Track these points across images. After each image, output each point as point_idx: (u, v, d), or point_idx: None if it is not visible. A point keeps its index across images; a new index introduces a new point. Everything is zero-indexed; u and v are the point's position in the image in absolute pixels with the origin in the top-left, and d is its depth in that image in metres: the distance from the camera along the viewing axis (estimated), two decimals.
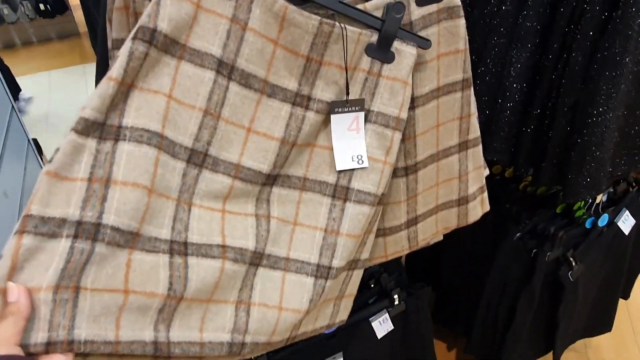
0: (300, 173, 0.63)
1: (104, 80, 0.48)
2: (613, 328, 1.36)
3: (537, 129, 0.89)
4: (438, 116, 0.72)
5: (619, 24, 0.74)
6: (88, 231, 0.47)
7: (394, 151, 0.64)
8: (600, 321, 1.33)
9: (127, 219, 0.49)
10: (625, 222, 1.15)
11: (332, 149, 0.63)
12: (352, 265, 0.68)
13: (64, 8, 5.40)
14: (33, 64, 4.64)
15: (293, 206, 0.63)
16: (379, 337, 1.00)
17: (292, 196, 0.63)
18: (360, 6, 0.60)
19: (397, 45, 0.61)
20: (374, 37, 0.60)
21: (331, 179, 0.63)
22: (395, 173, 0.69)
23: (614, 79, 0.76)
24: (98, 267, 0.48)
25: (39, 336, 0.44)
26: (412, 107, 0.67)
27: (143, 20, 0.48)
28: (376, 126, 0.63)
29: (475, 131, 0.77)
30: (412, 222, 0.76)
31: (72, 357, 0.45)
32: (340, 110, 0.61)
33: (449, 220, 0.83)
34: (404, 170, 0.71)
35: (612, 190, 1.18)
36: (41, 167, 1.11)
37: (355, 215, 0.62)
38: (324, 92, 0.60)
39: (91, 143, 0.48)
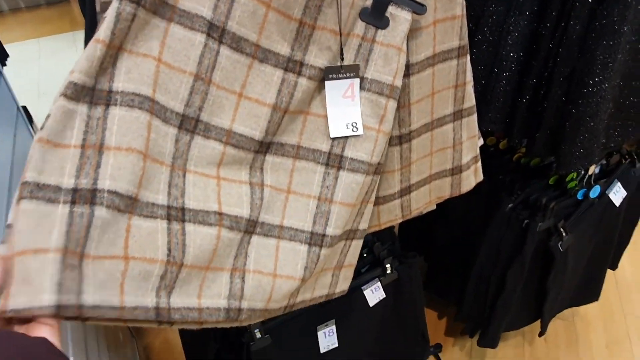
0: (293, 141, 0.62)
1: (91, 43, 0.47)
2: (600, 298, 1.39)
3: (533, 99, 0.88)
4: (433, 84, 0.71)
5: None
6: (85, 197, 0.47)
7: (389, 119, 0.63)
8: (589, 291, 1.36)
9: (124, 183, 0.48)
10: (617, 194, 1.15)
11: (326, 117, 0.63)
12: (349, 235, 0.68)
13: None
14: (21, 31, 4.52)
15: (286, 174, 0.63)
16: (371, 305, 1.02)
17: (286, 164, 0.63)
18: None
19: (391, 10, 0.60)
20: (369, 1, 0.59)
21: (325, 147, 0.63)
22: (389, 141, 0.69)
23: (611, 48, 0.75)
24: (101, 232, 0.48)
25: (47, 298, 0.43)
26: (407, 74, 0.66)
27: None
28: (370, 94, 0.62)
29: (470, 100, 0.76)
30: (406, 191, 0.76)
31: (58, 326, 0.44)
32: (334, 76, 0.60)
33: (443, 190, 0.83)
34: (398, 138, 0.70)
35: (604, 162, 1.19)
36: (32, 136, 1.10)
37: (349, 183, 0.62)
38: (317, 57, 0.59)
39: (82, 108, 0.48)
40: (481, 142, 0.85)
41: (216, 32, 0.52)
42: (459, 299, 1.29)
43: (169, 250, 0.52)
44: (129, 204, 0.49)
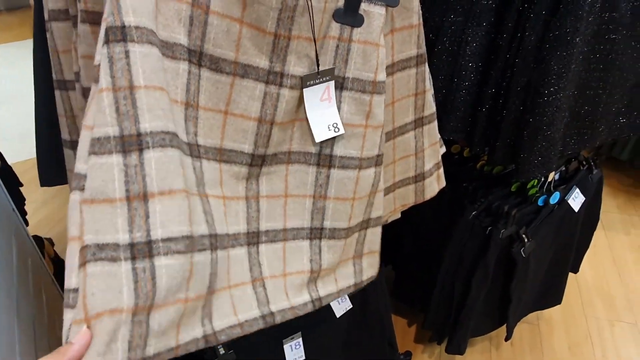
0: (285, 148, 0.63)
1: (96, 95, 0.45)
2: (563, 301, 1.42)
3: (492, 108, 0.90)
4: (393, 93, 0.71)
5: (570, 3, 0.74)
6: (143, 251, 0.46)
7: (376, 113, 0.64)
8: (551, 295, 1.39)
9: (175, 226, 0.48)
10: (576, 200, 1.18)
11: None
12: (362, 225, 0.70)
13: None
14: None
15: (282, 180, 0.64)
16: (337, 315, 1.01)
17: (280, 171, 0.64)
18: None
19: (364, 7, 0.60)
20: (341, 2, 0.59)
21: (314, 149, 0.64)
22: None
23: (565, 58, 0.77)
24: (168, 279, 0.47)
25: (120, 356, 0.44)
26: None
27: (108, 21, 0.45)
28: (353, 92, 0.63)
29: (430, 107, 0.77)
30: None
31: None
32: (312, 82, 0.60)
33: (407, 197, 0.83)
34: None
35: (563, 168, 1.22)
36: None
37: (341, 179, 0.64)
38: (297, 66, 0.59)
39: (117, 159, 0.45)
40: (443, 149, 0.86)
41: (195, 56, 0.52)
42: (426, 307, 1.30)
43: (210, 282, 0.54)
44: (188, 244, 0.49)
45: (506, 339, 1.29)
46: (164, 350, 0.49)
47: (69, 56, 0.75)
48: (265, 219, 0.63)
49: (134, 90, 0.45)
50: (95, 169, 0.44)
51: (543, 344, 1.46)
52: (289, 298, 0.64)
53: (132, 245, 0.45)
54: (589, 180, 1.21)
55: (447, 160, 0.84)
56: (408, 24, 0.68)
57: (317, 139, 0.62)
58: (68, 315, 0.44)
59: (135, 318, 0.45)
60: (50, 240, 1.52)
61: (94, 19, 0.62)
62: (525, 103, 0.84)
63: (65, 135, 0.81)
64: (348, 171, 0.64)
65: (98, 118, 0.44)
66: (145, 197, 0.46)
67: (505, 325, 1.29)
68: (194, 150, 0.54)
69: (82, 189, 0.45)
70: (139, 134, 0.46)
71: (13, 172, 1.40)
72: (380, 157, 0.66)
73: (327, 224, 0.66)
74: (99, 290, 0.44)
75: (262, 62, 0.56)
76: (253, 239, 0.62)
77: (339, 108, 0.63)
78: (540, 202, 1.15)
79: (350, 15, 0.59)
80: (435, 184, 0.84)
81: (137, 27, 0.45)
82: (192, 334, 0.52)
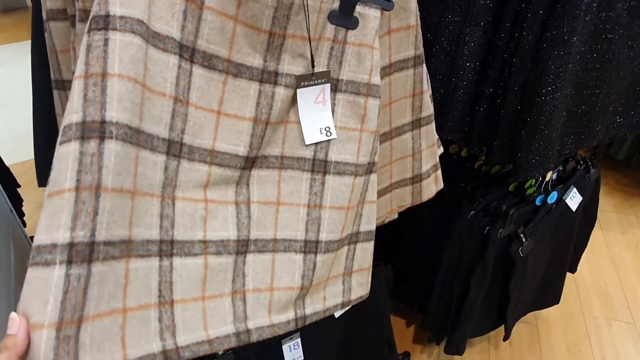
0: (277, 152, 0.61)
1: (72, 82, 0.44)
2: (561, 300, 1.42)
3: (490, 108, 0.90)
4: (390, 94, 0.71)
5: (567, 3, 0.75)
6: (83, 254, 0.42)
7: (371, 117, 0.62)
8: (549, 294, 1.39)
9: (116, 229, 0.45)
10: (573, 199, 1.19)
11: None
12: (352, 238, 0.67)
13: None
14: None
15: (274, 186, 0.61)
16: (336, 316, 1.00)
17: (272, 176, 0.61)
18: None
19: (359, 9, 0.59)
20: (336, 3, 0.58)
21: (308, 153, 0.62)
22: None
23: (562, 58, 0.77)
24: (100, 288, 0.44)
25: None
26: None
27: (94, 10, 0.43)
28: (347, 95, 0.62)
29: (428, 109, 0.76)
30: None
31: None
32: (306, 83, 0.59)
33: (404, 199, 0.83)
34: None
35: (561, 168, 1.22)
36: None
37: (337, 187, 0.62)
38: (291, 65, 0.58)
39: (74, 146, 0.42)
40: (441, 150, 0.86)
41: (187, 52, 0.50)
42: (425, 307, 1.30)
43: (160, 291, 0.50)
44: (123, 249, 0.46)
45: (504, 339, 1.29)
46: None
47: (67, 56, 0.75)
48: (256, 227, 0.59)
49: (105, 78, 0.43)
50: (56, 159, 0.42)
51: (541, 344, 1.46)
52: (271, 315, 0.60)
53: (71, 246, 0.41)
54: (587, 179, 1.22)
55: (445, 160, 0.85)
56: (405, 25, 0.68)
57: (307, 142, 0.61)
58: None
59: (60, 334, 0.41)
60: None
61: None
62: (522, 102, 0.84)
63: None
64: (344, 177, 0.62)
65: (67, 107, 0.42)
66: (97, 190, 0.42)
67: (503, 325, 1.29)
68: (174, 149, 0.51)
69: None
70: (102, 121, 0.43)
71: (11, 173, 1.39)
72: (372, 165, 0.64)
73: (323, 236, 0.61)
74: (27, 300, 0.41)
75: (256, 61, 0.56)
76: (242, 247, 0.58)
77: (333, 111, 0.61)
78: (538, 202, 1.15)
79: (345, 17, 0.59)
80: (432, 186, 0.84)
81: (121, 17, 0.44)
82: (146, 348, 0.48)
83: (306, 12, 0.56)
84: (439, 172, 0.85)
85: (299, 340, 0.99)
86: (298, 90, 0.59)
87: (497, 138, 0.90)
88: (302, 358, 0.99)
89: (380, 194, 0.78)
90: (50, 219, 0.41)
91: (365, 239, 0.69)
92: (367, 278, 0.70)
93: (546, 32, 0.78)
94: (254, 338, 0.59)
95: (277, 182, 0.61)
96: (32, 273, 0.41)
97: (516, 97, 0.84)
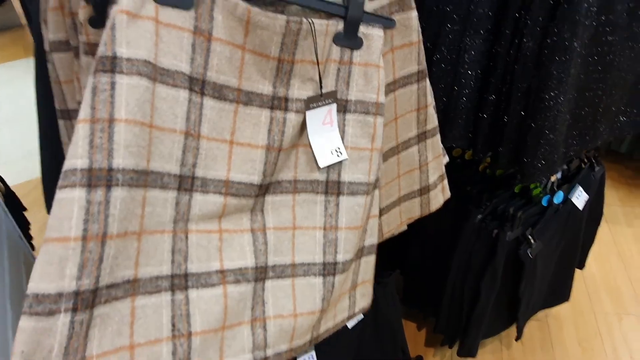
0: (289, 176, 0.61)
1: (77, 125, 0.43)
2: (571, 297, 1.42)
3: (494, 114, 0.90)
4: (396, 109, 0.72)
5: (567, 9, 0.75)
6: (87, 300, 0.43)
7: (379, 135, 0.63)
8: (559, 292, 1.39)
9: (120, 271, 0.45)
10: (579, 198, 1.19)
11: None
12: (358, 253, 0.67)
13: None
14: None
15: (289, 211, 0.61)
16: (349, 326, 1.01)
17: (286, 201, 0.61)
18: None
19: (363, 30, 0.60)
20: (340, 26, 0.59)
21: (321, 176, 0.62)
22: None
23: (564, 63, 0.78)
24: (101, 328, 0.44)
25: None
26: None
27: (100, 50, 0.43)
28: (357, 115, 0.62)
29: (433, 121, 0.77)
30: None
31: None
32: (314, 105, 0.59)
33: (412, 211, 0.84)
34: None
35: (565, 167, 1.22)
36: None
37: (351, 207, 0.62)
38: (301, 90, 0.58)
39: (80, 194, 0.42)
40: (446, 159, 0.86)
41: (197, 84, 0.50)
42: (437, 311, 1.30)
43: (173, 325, 0.50)
44: (128, 288, 0.46)
45: (517, 339, 1.30)
46: None
47: (71, 86, 0.75)
48: (273, 253, 0.59)
49: (113, 123, 0.43)
50: (56, 205, 0.41)
51: (553, 341, 1.46)
52: (293, 340, 0.60)
53: (76, 294, 0.42)
54: (592, 177, 1.22)
55: (449, 164, 0.85)
56: (408, 42, 0.69)
57: (321, 165, 0.61)
58: None
59: None
60: None
61: (95, 50, 0.62)
62: (526, 108, 0.84)
63: None
64: (357, 197, 0.62)
65: (70, 150, 0.42)
66: (103, 238, 0.43)
67: (515, 324, 1.29)
68: (185, 183, 0.52)
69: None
70: (110, 169, 0.43)
71: (17, 197, 1.40)
72: (377, 181, 0.65)
73: (340, 257, 0.62)
74: (26, 350, 0.41)
75: (266, 88, 0.56)
76: (261, 274, 0.58)
77: (343, 132, 0.62)
78: (544, 203, 1.15)
79: (349, 38, 0.60)
80: (440, 196, 0.85)
81: (128, 59, 0.44)
82: None
83: (314, 37, 0.56)
84: (446, 181, 0.86)
85: (313, 352, 0.99)
86: (307, 112, 0.60)
87: (502, 144, 0.90)
88: None
89: (390, 207, 0.78)
90: (52, 267, 0.41)
91: (368, 253, 0.69)
92: (369, 289, 0.71)
93: (547, 38, 0.78)
94: None
95: (292, 207, 0.61)
96: (30, 323, 0.41)
97: (520, 103, 0.85)
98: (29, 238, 1.35)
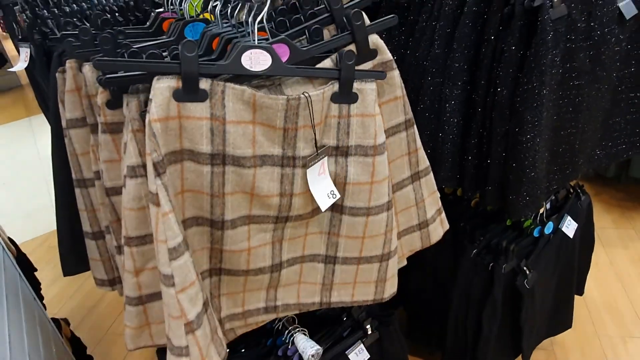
0: (309, 210, 0.74)
1: (163, 216, 0.59)
2: (574, 324, 1.45)
3: (477, 156, 0.97)
4: (388, 155, 0.78)
5: (533, 61, 0.83)
6: (208, 310, 0.68)
7: (380, 170, 0.73)
8: (561, 320, 1.42)
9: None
10: (569, 227, 1.24)
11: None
12: (384, 257, 0.81)
13: (3, 61, 5.23)
14: None
15: (304, 227, 0.77)
16: None
17: (303, 223, 0.76)
18: (320, 65, 0.68)
19: (357, 86, 0.69)
20: (336, 87, 0.67)
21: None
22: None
23: (537, 108, 0.85)
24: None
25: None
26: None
27: (153, 156, 0.57)
28: (357, 157, 0.72)
29: (424, 162, 0.85)
30: None
31: None
32: (312, 162, 0.70)
33: (413, 243, 0.90)
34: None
35: (553, 197, 1.28)
36: None
37: (351, 223, 0.77)
38: (305, 149, 0.68)
39: (186, 258, 0.62)
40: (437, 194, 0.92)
41: (218, 159, 0.63)
42: (442, 345, 1.32)
43: (218, 289, 0.79)
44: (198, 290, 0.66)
45: None
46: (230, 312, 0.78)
47: (87, 158, 0.82)
48: (287, 252, 0.77)
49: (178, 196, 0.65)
50: (177, 269, 0.60)
51: None
52: (299, 298, 0.82)
53: (203, 310, 0.65)
54: (579, 206, 1.28)
55: (442, 201, 0.91)
56: (393, 97, 0.76)
57: (322, 208, 0.72)
58: None
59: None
60: (66, 321, 1.55)
61: (113, 129, 0.69)
62: (506, 150, 0.91)
63: (86, 228, 0.87)
64: (357, 217, 0.76)
65: (169, 234, 0.59)
66: (200, 277, 0.66)
67: (521, 355, 1.31)
68: (217, 224, 0.68)
69: (173, 285, 0.59)
70: (183, 220, 0.67)
71: (27, 259, 1.44)
72: (390, 202, 0.76)
73: (340, 254, 0.80)
74: (202, 339, 0.64)
75: (276, 150, 0.66)
76: (276, 268, 0.77)
77: (347, 171, 0.72)
78: (535, 233, 1.20)
79: (345, 95, 0.68)
80: (439, 228, 0.92)
81: (164, 157, 0.59)
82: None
83: (310, 108, 0.64)
84: (443, 214, 0.92)
85: (362, 346, 1.03)
86: (307, 170, 0.69)
87: (488, 183, 0.96)
88: None
89: None
90: (190, 302, 0.63)
91: (392, 256, 0.82)
92: (396, 280, 0.86)
93: (518, 87, 0.86)
94: (280, 310, 0.81)
95: (306, 223, 0.75)
96: (198, 332, 0.64)
97: (500, 145, 0.91)
98: (41, 298, 1.39)
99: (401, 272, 0.99)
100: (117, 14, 1.00)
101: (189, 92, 0.57)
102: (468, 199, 1.28)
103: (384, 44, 0.73)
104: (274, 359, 1.00)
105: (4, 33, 5.97)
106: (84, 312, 1.98)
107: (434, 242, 0.92)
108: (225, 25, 0.77)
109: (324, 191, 0.72)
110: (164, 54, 0.71)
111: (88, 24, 0.88)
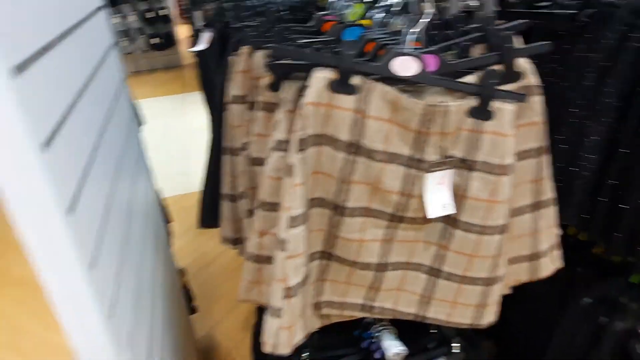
0: (421, 214, 0.77)
1: (292, 187, 0.68)
2: None
3: (612, 199, 0.91)
4: (513, 178, 0.79)
5: None
6: (303, 286, 0.77)
7: (501, 191, 0.73)
8: None
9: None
10: None
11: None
12: (490, 281, 0.81)
13: (173, 42, 6.01)
14: (141, 90, 5.21)
15: (414, 230, 0.79)
16: None
17: (415, 224, 0.78)
18: (462, 79, 0.72)
19: (497, 104, 0.71)
20: (475, 102, 0.70)
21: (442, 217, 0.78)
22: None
23: None
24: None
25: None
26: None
27: (300, 134, 0.67)
28: (481, 173, 0.74)
29: (549, 193, 0.83)
30: None
31: None
32: (435, 169, 0.73)
33: (520, 274, 0.88)
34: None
35: None
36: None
37: (463, 238, 0.77)
38: (432, 155, 0.72)
39: (301, 229, 0.71)
40: (559, 231, 0.89)
41: (353, 148, 0.70)
42: None
43: (323, 275, 0.85)
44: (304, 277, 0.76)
45: None
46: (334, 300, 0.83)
47: (240, 130, 0.95)
48: (394, 255, 0.79)
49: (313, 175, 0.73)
50: (292, 236, 0.69)
51: None
52: (395, 304, 0.84)
53: (302, 283, 0.73)
54: None
55: (561, 242, 0.88)
56: (530, 122, 0.77)
57: (430, 215, 0.74)
58: (275, 323, 0.71)
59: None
60: (183, 271, 1.76)
61: (269, 108, 0.80)
62: None
63: (225, 190, 1.01)
64: (470, 234, 0.76)
65: (294, 204, 0.68)
66: (307, 254, 0.74)
67: None
68: (338, 210, 0.75)
69: (284, 250, 0.67)
70: (305, 214, 0.73)
71: (166, 210, 1.67)
72: (505, 226, 0.76)
73: (445, 268, 0.80)
74: (295, 308, 0.73)
75: (405, 151, 0.71)
76: (381, 267, 0.80)
77: (468, 185, 0.74)
78: None
79: (482, 112, 0.71)
80: (550, 264, 0.88)
81: (308, 137, 0.68)
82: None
83: (445, 118, 0.69)
84: (558, 252, 0.89)
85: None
86: (427, 174, 0.72)
87: (619, 230, 0.90)
88: None
89: None
90: (295, 271, 0.73)
91: (499, 281, 0.82)
92: (495, 309, 0.85)
93: None
94: (376, 311, 0.84)
95: (419, 229, 0.78)
96: (294, 299, 0.74)
97: None
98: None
99: (501, 302, 0.97)
100: (287, 12, 1.14)
101: (341, 85, 0.65)
102: (590, 244, 1.19)
103: (532, 68, 0.73)
104: (357, 350, 1.04)
105: (181, 18, 6.84)
106: (196, 269, 2.22)
107: (542, 277, 0.89)
108: (379, 31, 0.84)
109: (438, 201, 0.74)
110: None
111: (264, 18, 1.01)
